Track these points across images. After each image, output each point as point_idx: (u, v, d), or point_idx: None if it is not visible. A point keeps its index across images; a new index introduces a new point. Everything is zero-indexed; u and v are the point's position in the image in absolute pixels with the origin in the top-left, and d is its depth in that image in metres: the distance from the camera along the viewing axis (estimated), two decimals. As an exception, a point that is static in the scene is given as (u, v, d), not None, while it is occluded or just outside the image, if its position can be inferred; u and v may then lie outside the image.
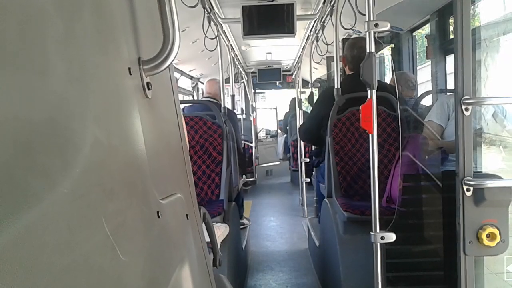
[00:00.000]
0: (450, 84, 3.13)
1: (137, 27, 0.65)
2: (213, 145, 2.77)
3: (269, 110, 9.44)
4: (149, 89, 0.66)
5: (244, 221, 3.99)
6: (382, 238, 1.56)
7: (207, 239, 1.17)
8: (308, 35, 4.32)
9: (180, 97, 5.43)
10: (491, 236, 1.36)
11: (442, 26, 3.04)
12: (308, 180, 4.89)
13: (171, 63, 0.71)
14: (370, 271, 1.61)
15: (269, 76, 7.34)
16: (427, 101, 2.97)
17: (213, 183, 2.73)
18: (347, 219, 2.22)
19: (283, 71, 7.47)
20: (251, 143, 6.97)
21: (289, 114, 7.52)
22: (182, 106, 3.35)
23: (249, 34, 3.06)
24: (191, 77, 6.11)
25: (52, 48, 0.40)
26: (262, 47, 5.67)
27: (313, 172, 3.94)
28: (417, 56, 3.72)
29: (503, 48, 2.57)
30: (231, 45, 4.55)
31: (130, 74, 0.60)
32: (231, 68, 4.42)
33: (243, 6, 3.01)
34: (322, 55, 3.95)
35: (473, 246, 1.38)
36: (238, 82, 7.11)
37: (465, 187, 1.37)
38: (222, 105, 3.35)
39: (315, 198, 4.01)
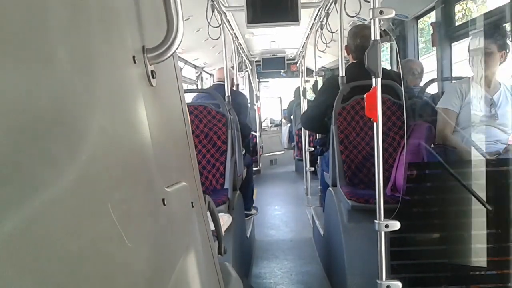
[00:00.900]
0: (456, 72, 3.11)
1: (140, 15, 0.65)
2: (218, 134, 2.77)
3: (273, 100, 9.41)
4: (153, 78, 0.66)
5: (252, 211, 3.99)
6: (387, 226, 1.56)
7: (212, 227, 1.17)
8: (313, 23, 4.29)
9: (184, 86, 5.42)
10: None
11: (448, 13, 3.00)
12: (313, 169, 4.89)
13: (175, 51, 0.71)
14: (374, 259, 1.62)
15: (273, 65, 7.31)
16: (432, 89, 2.95)
17: (217, 172, 2.74)
18: (351, 207, 2.22)
19: (287, 59, 7.43)
20: (256, 132, 6.97)
21: (294, 103, 7.50)
22: (186, 95, 3.35)
23: (253, 23, 3.04)
24: (195, 66, 6.09)
25: (56, 37, 0.40)
26: (266, 36, 5.64)
27: (318, 161, 3.94)
28: (424, 45, 3.69)
29: None
30: (235, 33, 4.53)
31: (135, 62, 0.60)
32: (235, 57, 4.40)
33: None
34: (326, 43, 3.92)
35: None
36: (242, 71, 7.08)
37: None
38: (227, 93, 3.33)
39: (319, 187, 4.01)
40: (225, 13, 3.44)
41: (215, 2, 3.00)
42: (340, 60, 2.82)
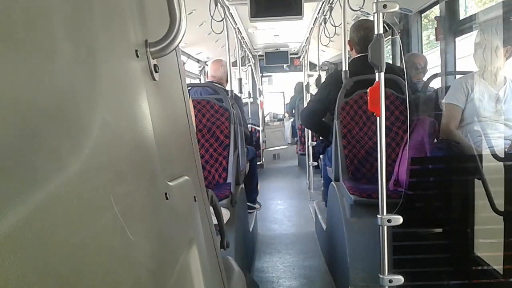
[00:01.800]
0: (460, 67, 3.09)
1: (143, 9, 0.65)
2: (220, 128, 2.77)
3: (276, 94, 9.39)
4: (156, 72, 0.66)
5: (256, 205, 3.98)
6: (389, 221, 1.56)
7: (215, 221, 1.18)
8: (316, 17, 4.27)
9: (187, 80, 5.42)
10: None
11: (452, 7, 2.98)
12: (316, 163, 4.88)
13: (178, 45, 0.71)
14: (376, 253, 1.62)
15: (277, 59, 7.29)
16: (435, 84, 2.94)
17: (220, 166, 2.74)
18: (354, 202, 2.22)
19: (291, 54, 7.40)
20: (259, 126, 6.96)
21: (296, 98, 7.48)
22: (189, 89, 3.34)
23: (256, 17, 3.03)
24: (198, 60, 6.08)
25: (59, 31, 0.41)
26: (269, 30, 5.61)
27: (320, 156, 3.94)
28: (427, 41, 3.67)
29: None
30: (238, 27, 4.51)
31: (137, 56, 0.60)
32: (238, 51, 4.39)
33: None
34: (330, 38, 3.90)
35: None
36: (245, 65, 7.07)
37: None
38: (230, 89, 3.33)
39: (322, 181, 4.01)
40: (228, 7, 3.42)
41: None
42: (344, 54, 2.81)
